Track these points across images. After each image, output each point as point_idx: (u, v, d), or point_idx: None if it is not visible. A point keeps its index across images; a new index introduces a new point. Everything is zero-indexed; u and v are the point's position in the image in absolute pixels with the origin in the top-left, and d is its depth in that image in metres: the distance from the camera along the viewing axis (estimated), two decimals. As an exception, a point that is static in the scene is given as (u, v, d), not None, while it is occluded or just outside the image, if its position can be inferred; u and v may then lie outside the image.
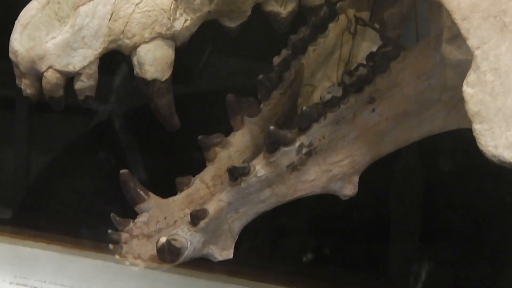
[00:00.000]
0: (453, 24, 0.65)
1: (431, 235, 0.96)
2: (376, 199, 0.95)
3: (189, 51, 0.69)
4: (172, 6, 0.64)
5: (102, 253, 0.86)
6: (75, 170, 1.01)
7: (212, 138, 0.79)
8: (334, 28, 0.84)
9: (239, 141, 0.80)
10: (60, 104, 0.67)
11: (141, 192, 0.76)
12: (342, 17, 0.84)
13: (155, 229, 0.76)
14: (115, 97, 1.01)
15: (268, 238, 0.93)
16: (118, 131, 1.01)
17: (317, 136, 0.75)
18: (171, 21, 0.64)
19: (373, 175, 0.80)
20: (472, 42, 0.64)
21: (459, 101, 0.66)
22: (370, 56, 0.77)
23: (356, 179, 0.78)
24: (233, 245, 0.77)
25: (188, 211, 0.75)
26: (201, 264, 0.81)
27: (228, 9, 0.68)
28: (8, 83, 0.72)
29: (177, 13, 0.64)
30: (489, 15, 0.64)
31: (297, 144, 0.75)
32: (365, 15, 0.84)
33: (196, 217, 0.74)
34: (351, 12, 0.84)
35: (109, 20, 0.63)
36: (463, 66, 0.67)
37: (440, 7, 0.66)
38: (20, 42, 0.66)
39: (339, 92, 0.75)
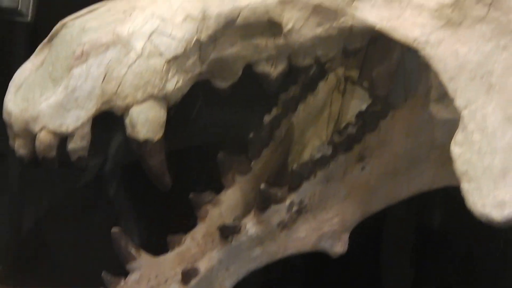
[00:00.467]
0: (441, 84, 0.66)
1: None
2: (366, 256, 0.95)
3: (180, 105, 0.69)
4: (164, 68, 0.65)
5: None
6: (66, 226, 1.01)
7: (203, 196, 0.79)
8: (323, 87, 0.85)
9: (230, 199, 0.80)
10: (53, 164, 0.67)
11: (132, 250, 0.76)
12: (331, 76, 0.85)
13: (147, 287, 0.75)
14: (108, 152, 1.01)
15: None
16: (110, 187, 1.02)
17: (308, 194, 0.76)
18: (163, 82, 0.65)
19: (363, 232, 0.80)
20: (459, 102, 0.65)
21: (448, 159, 0.67)
22: (359, 115, 0.78)
23: (346, 236, 0.78)
24: (224, 303, 0.77)
25: (179, 269, 0.75)
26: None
27: (219, 70, 0.69)
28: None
29: (169, 74, 0.65)
30: (475, 76, 0.65)
31: (288, 202, 0.75)
32: (354, 73, 0.86)
33: (187, 276, 0.74)
34: (340, 71, 0.85)
35: (102, 82, 0.64)
36: (451, 125, 0.68)
37: (428, 67, 0.67)
38: (14, 103, 0.66)
39: (329, 151, 0.76)
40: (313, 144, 0.84)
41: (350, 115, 0.86)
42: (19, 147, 0.67)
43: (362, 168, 0.76)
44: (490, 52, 0.66)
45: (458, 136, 0.65)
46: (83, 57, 0.64)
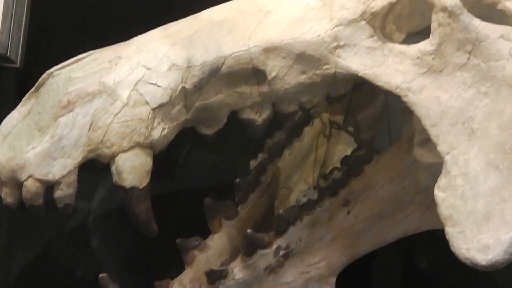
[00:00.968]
0: (424, 129, 0.67)
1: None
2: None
3: (167, 150, 0.70)
4: (150, 116, 0.65)
5: None
6: (53, 269, 1.01)
7: (190, 241, 0.80)
8: (309, 132, 0.86)
9: (217, 243, 0.81)
10: (40, 212, 0.68)
11: (120, 296, 0.76)
12: (316, 121, 0.86)
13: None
14: (95, 197, 1.01)
15: None
16: (97, 232, 1.01)
17: (294, 238, 0.76)
18: (149, 130, 0.66)
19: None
20: (442, 147, 0.66)
21: (433, 202, 0.67)
22: (344, 160, 0.79)
23: (333, 280, 0.79)
24: None
25: (167, 314, 0.75)
26: None
27: (204, 117, 0.69)
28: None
29: (155, 122, 0.66)
30: (457, 122, 0.66)
31: (274, 246, 0.75)
32: (339, 118, 0.87)
33: (175, 321, 0.74)
34: (325, 116, 0.86)
35: (88, 130, 0.65)
36: (435, 169, 0.68)
37: (411, 113, 0.68)
38: (1, 151, 0.67)
39: (314, 195, 0.76)
40: (299, 188, 0.84)
41: (335, 159, 0.87)
42: (6, 195, 0.68)
43: (348, 212, 0.77)
44: (471, 98, 0.66)
45: (442, 181, 0.66)
46: (69, 106, 0.65)
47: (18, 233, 1.00)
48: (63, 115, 0.65)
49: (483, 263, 0.65)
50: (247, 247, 0.75)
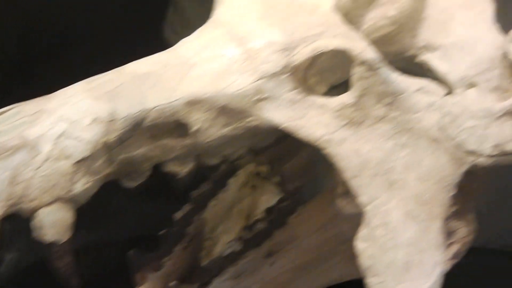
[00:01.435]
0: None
1: None
2: None
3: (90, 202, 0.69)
4: (72, 170, 0.65)
5: None
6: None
7: (114, 295, 0.79)
8: (234, 183, 0.86)
9: (142, 297, 0.80)
10: None
11: None
12: (242, 171, 0.87)
13: None
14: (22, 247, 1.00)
15: None
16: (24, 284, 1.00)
17: (219, 290, 0.76)
18: (70, 184, 0.65)
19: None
20: (362, 199, 0.67)
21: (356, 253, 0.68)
22: (269, 211, 0.79)
23: (258, 332, 0.79)
24: None
25: None
26: None
27: (128, 170, 0.69)
28: None
29: (77, 176, 0.65)
30: (377, 173, 0.68)
31: (199, 299, 0.75)
32: (264, 169, 0.87)
33: None
34: (250, 166, 0.87)
35: (9, 185, 0.64)
36: (357, 219, 0.69)
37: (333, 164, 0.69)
38: None
39: (238, 247, 0.76)
40: (224, 240, 0.84)
41: (260, 210, 0.87)
42: None
43: (272, 263, 0.77)
44: (391, 150, 0.68)
45: (362, 232, 0.67)
46: (-11, 160, 0.64)
47: None
48: (-18, 169, 0.64)
49: (404, 312, 0.66)
50: (172, 300, 0.75)
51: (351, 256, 0.76)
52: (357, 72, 0.67)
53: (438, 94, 0.69)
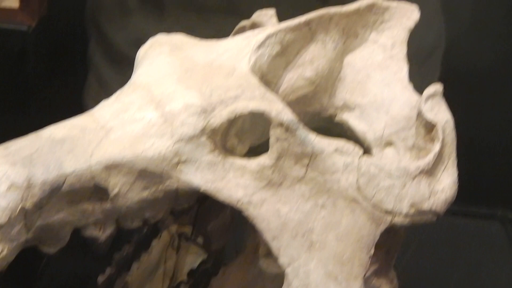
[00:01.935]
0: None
1: None
2: None
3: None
4: (-13, 238, 0.64)
5: None
6: None
7: None
8: (157, 244, 0.86)
9: None
10: None
11: None
12: (165, 233, 0.86)
13: None
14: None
15: None
16: None
17: None
18: (-14, 256, 0.64)
19: None
20: (283, 260, 0.68)
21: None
22: (191, 273, 0.79)
23: None
24: None
25: None
26: None
27: (46, 236, 0.68)
28: None
29: (-7, 244, 0.64)
30: (297, 234, 0.68)
31: None
32: (187, 229, 0.87)
33: None
34: (174, 227, 0.86)
35: None
36: (280, 279, 0.69)
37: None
38: None
39: (162, 310, 0.76)
40: (148, 303, 0.84)
41: (185, 271, 0.87)
42: None
43: (195, 326, 0.77)
44: (310, 210, 0.69)
45: (284, 294, 0.67)
46: None
47: None
48: None
49: None
50: None
51: (274, 315, 0.76)
52: (274, 134, 0.68)
53: (355, 154, 0.69)
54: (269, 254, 0.72)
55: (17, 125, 0.72)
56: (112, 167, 0.67)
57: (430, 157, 0.72)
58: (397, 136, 0.75)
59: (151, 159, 0.68)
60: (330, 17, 0.76)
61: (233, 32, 0.84)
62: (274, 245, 0.68)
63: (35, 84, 1.25)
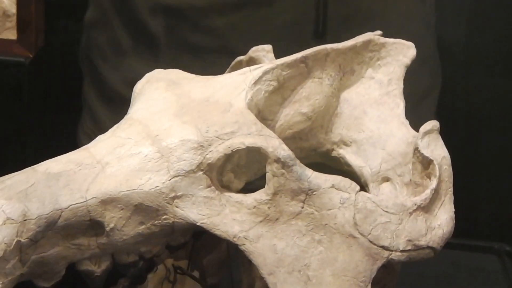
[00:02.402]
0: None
1: None
2: None
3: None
4: (-18, 272, 0.64)
5: None
6: None
7: None
8: (153, 278, 0.85)
9: None
10: None
11: None
12: (161, 266, 0.86)
13: None
14: None
15: None
16: None
17: None
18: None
19: None
20: (279, 295, 0.67)
21: None
22: (187, 308, 0.78)
23: None
24: None
25: None
26: None
27: (41, 271, 0.68)
28: None
29: (-13, 278, 0.64)
30: (293, 270, 0.68)
31: None
32: (183, 263, 0.87)
33: None
34: (170, 261, 0.86)
35: None
36: (277, 314, 0.69)
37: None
38: None
39: None
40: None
41: (180, 308, 0.86)
42: None
43: None
44: (306, 246, 0.68)
45: (279, 329, 0.67)
46: None
47: None
48: None
49: None
50: None
51: None
52: (271, 170, 0.68)
53: (351, 189, 0.70)
54: (265, 288, 0.72)
55: (12, 158, 0.72)
56: (108, 202, 0.67)
57: (427, 193, 0.72)
58: (393, 172, 0.75)
59: (147, 194, 0.68)
60: (327, 54, 0.77)
61: (229, 68, 0.85)
62: (271, 281, 0.68)
63: (31, 115, 1.25)
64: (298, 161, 0.69)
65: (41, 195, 0.66)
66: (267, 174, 0.69)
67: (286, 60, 0.74)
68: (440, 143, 0.74)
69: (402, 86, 0.80)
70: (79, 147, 0.71)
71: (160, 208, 0.68)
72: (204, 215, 0.68)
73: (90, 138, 0.73)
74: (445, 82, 1.25)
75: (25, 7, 1.29)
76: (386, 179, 0.76)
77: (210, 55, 1.10)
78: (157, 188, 0.68)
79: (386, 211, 0.70)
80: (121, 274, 0.83)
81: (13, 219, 0.65)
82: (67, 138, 1.23)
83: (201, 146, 0.68)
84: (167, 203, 0.68)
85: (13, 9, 1.29)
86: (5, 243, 0.64)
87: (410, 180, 0.74)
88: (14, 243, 0.65)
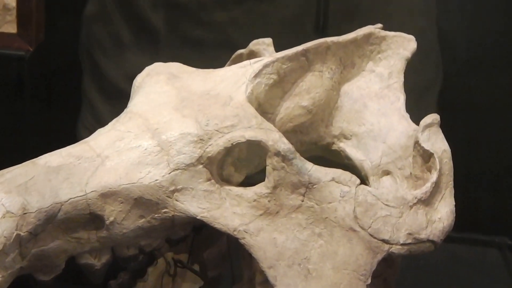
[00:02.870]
0: (263, 269, 0.68)
1: None
2: None
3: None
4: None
5: None
6: None
7: None
8: (153, 272, 0.85)
9: None
10: None
11: None
12: (161, 260, 0.86)
13: None
14: None
15: None
16: None
17: None
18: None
19: None
20: (279, 289, 0.67)
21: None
22: (187, 301, 0.78)
23: None
24: None
25: None
26: None
27: (41, 264, 0.68)
28: None
29: (-13, 274, 0.64)
30: (294, 263, 0.68)
31: None
32: (184, 257, 0.87)
33: None
34: (170, 255, 0.86)
35: None
36: (278, 308, 0.69)
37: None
38: None
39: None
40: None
41: (179, 298, 0.86)
42: None
43: None
44: (306, 239, 0.68)
45: (280, 322, 0.67)
46: None
47: None
48: None
49: None
50: None
51: None
52: (271, 163, 0.68)
53: (351, 183, 0.69)
54: (265, 282, 0.71)
55: (12, 151, 0.72)
56: (108, 195, 0.67)
57: (427, 187, 0.72)
58: (394, 165, 0.75)
59: (147, 187, 0.67)
60: (327, 47, 0.76)
61: (229, 61, 0.84)
62: (271, 274, 0.67)
63: (31, 109, 1.25)
64: (298, 155, 0.69)
65: (40, 188, 0.66)
66: (267, 167, 0.69)
67: (286, 54, 0.74)
68: (441, 136, 0.74)
69: (402, 79, 0.79)
70: (79, 141, 0.71)
71: (160, 202, 0.68)
72: (204, 209, 0.68)
73: (90, 132, 0.72)
74: (446, 76, 1.25)
75: (25, 1, 1.28)
76: (387, 173, 0.75)
77: (210, 49, 1.10)
78: (157, 181, 0.67)
79: (387, 205, 0.70)
80: (121, 267, 0.83)
81: (12, 213, 0.65)
82: (67, 132, 1.23)
83: (201, 139, 0.68)
84: (167, 196, 0.68)
85: (13, 3, 1.29)
86: (5, 237, 0.64)
87: (411, 173, 0.74)
88: (13, 236, 0.65)
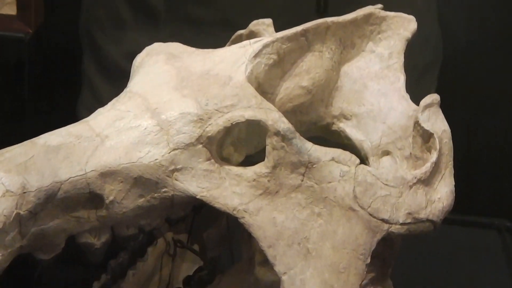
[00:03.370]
0: (263, 249, 0.68)
1: None
2: None
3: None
4: (-19, 245, 0.64)
5: None
6: None
7: None
8: (153, 252, 0.86)
9: None
10: None
11: None
12: (160, 240, 0.86)
13: None
14: None
15: None
16: None
17: None
18: (-21, 259, 0.64)
19: None
20: (279, 268, 0.67)
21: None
22: (186, 280, 0.79)
23: None
24: None
25: None
26: None
27: (41, 243, 0.68)
28: None
29: (-13, 250, 0.64)
30: (293, 242, 0.68)
31: None
32: (183, 237, 0.87)
33: None
34: (169, 235, 0.86)
35: None
36: (276, 286, 0.69)
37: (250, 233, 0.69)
38: None
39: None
40: (143, 311, 0.83)
41: (181, 278, 0.86)
42: None
43: (190, 335, 0.76)
44: (306, 219, 0.68)
45: (281, 303, 0.67)
46: None
47: None
48: None
49: None
50: None
51: (271, 325, 0.76)
52: (271, 143, 0.68)
53: (351, 163, 0.69)
54: (265, 262, 0.72)
55: (12, 132, 0.72)
56: (107, 175, 0.67)
57: (427, 167, 0.72)
58: (394, 145, 0.75)
59: (147, 167, 0.67)
60: (327, 27, 0.76)
61: (229, 41, 0.84)
62: (270, 253, 0.68)
63: (31, 90, 1.25)
64: (298, 134, 0.69)
65: (40, 167, 0.66)
66: (267, 147, 0.69)
67: (286, 34, 0.74)
68: (441, 116, 0.74)
69: (402, 59, 0.79)
70: (79, 120, 0.71)
71: (160, 181, 0.68)
72: (203, 188, 0.68)
73: (90, 111, 0.72)
74: (446, 56, 1.25)
75: (24, -18, 1.28)
76: (386, 153, 0.75)
77: (210, 29, 1.09)
78: (157, 161, 0.68)
79: (386, 184, 0.70)
80: (121, 247, 0.83)
81: (12, 192, 0.65)
82: (67, 112, 1.23)
83: (200, 119, 0.68)
84: (166, 176, 0.68)
85: (12, -16, 1.28)
86: (5, 215, 0.64)
87: (410, 153, 0.74)
88: (13, 215, 0.65)
